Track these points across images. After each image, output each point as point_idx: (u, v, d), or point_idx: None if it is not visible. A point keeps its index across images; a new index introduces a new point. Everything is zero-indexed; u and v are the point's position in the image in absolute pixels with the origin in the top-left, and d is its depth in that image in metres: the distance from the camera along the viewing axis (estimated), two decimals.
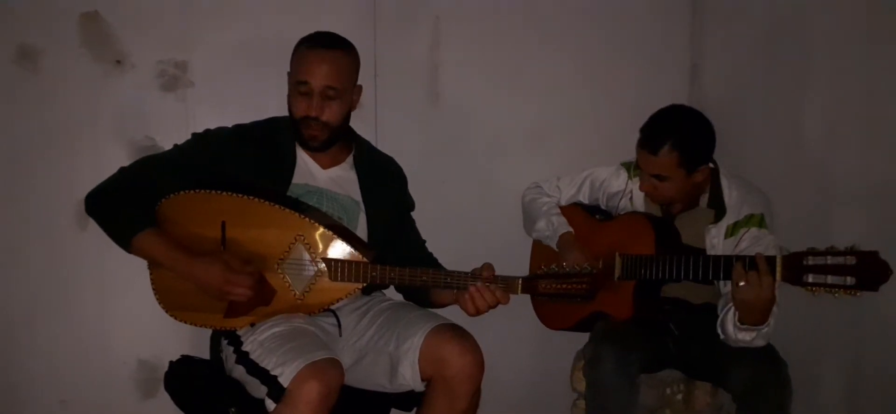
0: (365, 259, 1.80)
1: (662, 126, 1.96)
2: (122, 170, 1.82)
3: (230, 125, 1.92)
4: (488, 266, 1.79)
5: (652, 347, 2.01)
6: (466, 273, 1.79)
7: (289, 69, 1.89)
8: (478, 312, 1.78)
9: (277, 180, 1.86)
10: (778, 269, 1.70)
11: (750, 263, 1.73)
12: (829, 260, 1.62)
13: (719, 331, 1.93)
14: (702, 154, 1.97)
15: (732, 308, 1.84)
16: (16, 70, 2.23)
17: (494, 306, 1.78)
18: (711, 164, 2.03)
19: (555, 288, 1.78)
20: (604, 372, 1.90)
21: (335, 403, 1.63)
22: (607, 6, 2.63)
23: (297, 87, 1.82)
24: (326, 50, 1.83)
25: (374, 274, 1.79)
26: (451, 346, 1.73)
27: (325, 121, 1.83)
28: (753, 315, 1.79)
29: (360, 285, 1.82)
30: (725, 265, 1.78)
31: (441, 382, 1.74)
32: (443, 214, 2.40)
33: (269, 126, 1.93)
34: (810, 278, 1.65)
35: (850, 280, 1.60)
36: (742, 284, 1.73)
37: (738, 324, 1.82)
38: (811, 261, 1.65)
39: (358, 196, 1.94)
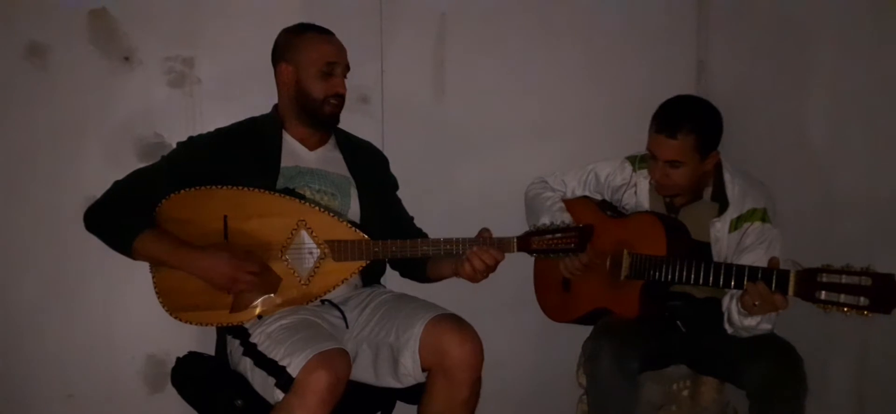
0: (365, 236, 1.82)
1: (679, 110, 1.98)
2: (116, 183, 1.85)
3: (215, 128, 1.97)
4: (486, 230, 1.84)
5: (656, 343, 2.01)
6: (465, 239, 1.82)
7: (286, 58, 1.93)
8: (475, 273, 1.80)
9: (266, 167, 1.89)
10: (791, 284, 1.68)
11: (763, 275, 1.72)
12: (844, 279, 1.60)
13: (727, 326, 1.93)
14: (715, 139, 1.99)
15: (736, 298, 1.85)
16: (25, 66, 2.24)
17: (493, 267, 1.81)
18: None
19: (547, 242, 1.82)
20: (602, 368, 1.90)
21: (342, 393, 1.64)
22: (614, 3, 2.63)
23: (326, 68, 1.91)
24: (334, 36, 1.97)
25: (375, 250, 1.82)
26: (451, 335, 1.75)
27: (344, 96, 1.95)
28: None
29: (362, 264, 1.84)
30: (737, 275, 1.77)
31: (441, 372, 1.76)
32: (448, 209, 2.41)
33: (248, 123, 1.99)
34: (823, 295, 1.62)
35: (863, 301, 1.58)
36: (757, 303, 1.74)
37: (742, 311, 1.83)
38: (825, 278, 1.62)
39: (347, 173, 1.98)
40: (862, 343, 2.28)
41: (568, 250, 1.82)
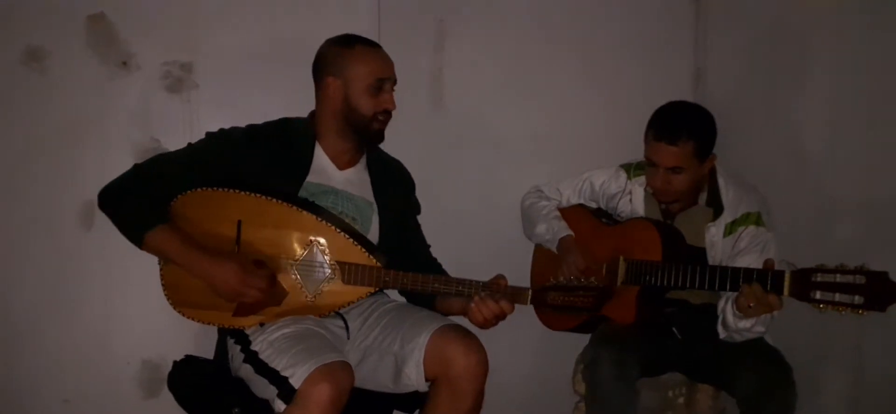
0: (378, 263, 1.81)
1: (677, 117, 1.99)
2: (137, 166, 1.83)
3: (242, 126, 1.92)
4: (501, 277, 1.81)
5: (653, 350, 2.02)
6: (478, 282, 1.80)
7: (333, 72, 1.87)
8: (484, 322, 1.78)
9: (291, 178, 1.86)
10: (786, 284, 1.69)
11: (758, 277, 1.72)
12: (839, 278, 1.61)
13: (720, 329, 1.94)
14: (711, 142, 2.01)
15: (731, 299, 1.85)
16: (22, 71, 2.24)
17: (501, 317, 1.78)
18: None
19: (562, 300, 1.80)
20: (602, 375, 1.90)
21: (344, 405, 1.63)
22: (612, 10, 2.64)
23: (379, 84, 1.88)
24: (381, 48, 1.93)
25: (386, 279, 1.80)
26: (456, 346, 1.74)
27: (391, 112, 1.92)
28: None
29: (370, 290, 1.82)
30: (732, 277, 1.78)
31: (445, 382, 1.75)
32: (446, 218, 2.40)
33: (281, 125, 1.95)
34: (818, 295, 1.63)
35: (858, 299, 1.58)
36: (752, 305, 1.74)
37: (737, 313, 1.84)
38: (820, 278, 1.63)
39: (371, 197, 1.96)
40: (857, 349, 2.28)
41: (584, 310, 1.81)
